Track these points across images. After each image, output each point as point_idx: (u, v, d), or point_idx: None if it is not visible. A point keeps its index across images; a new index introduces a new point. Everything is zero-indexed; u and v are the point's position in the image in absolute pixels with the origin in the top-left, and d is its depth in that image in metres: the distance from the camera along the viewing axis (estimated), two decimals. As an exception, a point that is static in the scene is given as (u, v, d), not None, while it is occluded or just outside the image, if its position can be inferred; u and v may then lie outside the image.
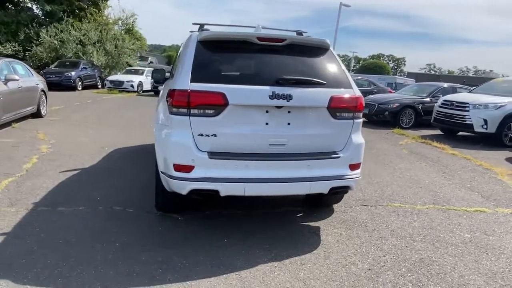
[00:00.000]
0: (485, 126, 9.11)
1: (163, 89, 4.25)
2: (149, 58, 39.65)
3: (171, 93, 3.22)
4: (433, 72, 73.02)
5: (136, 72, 22.51)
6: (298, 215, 4.15)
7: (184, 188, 3.18)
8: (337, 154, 3.44)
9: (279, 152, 3.33)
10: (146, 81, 21.33)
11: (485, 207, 4.66)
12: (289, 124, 3.33)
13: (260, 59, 3.54)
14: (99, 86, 21.62)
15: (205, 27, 4.10)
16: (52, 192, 4.34)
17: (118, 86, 20.23)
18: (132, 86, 20.51)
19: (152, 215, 3.89)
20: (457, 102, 9.83)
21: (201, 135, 3.16)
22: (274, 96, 3.20)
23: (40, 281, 2.63)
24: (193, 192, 3.16)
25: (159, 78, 4.62)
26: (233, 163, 3.18)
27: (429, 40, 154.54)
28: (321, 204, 4.33)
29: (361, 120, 3.60)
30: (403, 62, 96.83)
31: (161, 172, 3.39)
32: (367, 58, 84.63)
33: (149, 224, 3.69)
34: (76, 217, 3.73)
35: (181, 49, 4.06)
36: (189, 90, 3.14)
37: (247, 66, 3.59)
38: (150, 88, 20.93)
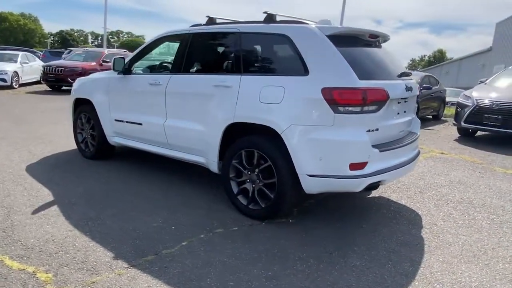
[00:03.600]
0: None
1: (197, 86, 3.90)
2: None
3: (339, 91, 3.06)
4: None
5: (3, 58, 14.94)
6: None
7: (359, 185, 3.14)
8: (417, 134, 4.00)
9: (403, 137, 3.76)
10: (25, 70, 15.02)
11: None
12: (404, 112, 3.71)
13: (374, 54, 3.66)
14: None
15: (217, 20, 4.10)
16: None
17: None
18: (3, 79, 13.69)
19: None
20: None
21: (369, 130, 3.20)
22: (407, 88, 3.59)
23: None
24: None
25: (120, 67, 4.54)
26: (392, 153, 3.38)
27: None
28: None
29: None
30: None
31: (313, 175, 3.13)
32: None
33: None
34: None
35: (294, 44, 3.29)
36: (361, 88, 3.06)
37: (371, 61, 3.52)
38: (36, 80, 15.46)
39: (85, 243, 2.95)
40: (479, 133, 8.99)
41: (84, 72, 12.05)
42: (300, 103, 3.15)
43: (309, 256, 2.92)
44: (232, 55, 3.71)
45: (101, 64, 14.54)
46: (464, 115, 8.23)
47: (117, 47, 57.98)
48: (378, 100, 3.16)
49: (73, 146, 5.84)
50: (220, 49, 4.08)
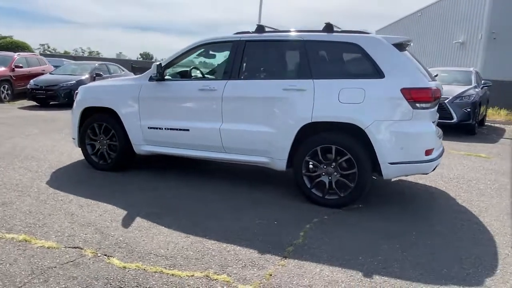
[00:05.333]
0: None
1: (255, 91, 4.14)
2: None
3: (416, 91, 3.65)
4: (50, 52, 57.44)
5: None
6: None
7: (430, 167, 3.85)
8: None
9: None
10: None
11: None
12: None
13: (415, 58, 4.18)
14: None
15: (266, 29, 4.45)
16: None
17: None
18: None
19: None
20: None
21: (433, 122, 3.94)
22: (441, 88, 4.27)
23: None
24: None
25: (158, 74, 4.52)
26: (439, 141, 4.15)
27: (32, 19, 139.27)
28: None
29: None
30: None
31: (396, 162, 3.69)
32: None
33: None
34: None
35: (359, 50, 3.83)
36: (431, 88, 3.77)
37: (419, 64, 4.14)
38: None
39: (218, 245, 3.03)
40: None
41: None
42: (382, 102, 3.69)
43: (400, 232, 3.48)
44: (299, 61, 4.04)
45: (13, 70, 12.86)
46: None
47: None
48: (438, 97, 3.88)
49: (64, 160, 5.44)
50: (285, 56, 4.34)
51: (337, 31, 4.08)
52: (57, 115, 10.20)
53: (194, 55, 4.71)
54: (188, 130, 4.41)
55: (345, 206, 3.90)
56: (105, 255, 2.81)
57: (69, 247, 2.91)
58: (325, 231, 3.36)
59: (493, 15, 18.70)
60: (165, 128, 4.53)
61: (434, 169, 3.96)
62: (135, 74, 14.44)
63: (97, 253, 2.83)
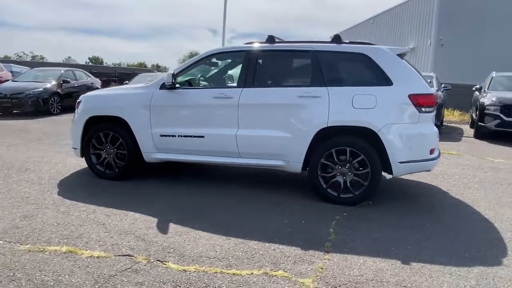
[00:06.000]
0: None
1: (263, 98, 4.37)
2: None
3: (421, 97, 4.03)
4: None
5: None
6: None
7: (433, 165, 4.31)
8: None
9: None
10: None
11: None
12: None
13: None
14: None
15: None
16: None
17: None
18: None
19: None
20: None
21: (434, 124, 4.40)
22: None
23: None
24: None
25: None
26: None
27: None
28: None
29: None
30: None
31: (405, 161, 4.07)
32: None
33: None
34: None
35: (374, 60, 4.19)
36: (433, 93, 4.14)
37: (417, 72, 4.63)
38: None
39: (261, 245, 3.20)
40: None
41: None
42: (391, 107, 4.05)
43: (414, 224, 3.85)
44: (312, 70, 4.31)
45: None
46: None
47: None
48: (437, 102, 4.31)
49: (62, 170, 5.34)
50: (297, 65, 4.59)
51: (345, 42, 4.41)
52: (27, 124, 9.73)
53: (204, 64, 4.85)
54: (203, 136, 4.52)
55: (358, 203, 4.22)
56: (159, 260, 2.89)
57: (119, 255, 2.95)
58: (351, 227, 3.64)
59: (440, 23, 20.32)
60: (178, 136, 4.60)
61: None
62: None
63: (149, 259, 2.90)
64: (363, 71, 4.27)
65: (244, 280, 2.65)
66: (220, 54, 4.77)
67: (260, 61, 4.48)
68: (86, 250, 3.02)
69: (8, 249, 2.99)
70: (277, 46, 4.54)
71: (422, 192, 4.94)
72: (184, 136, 4.59)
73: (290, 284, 2.62)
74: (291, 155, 4.31)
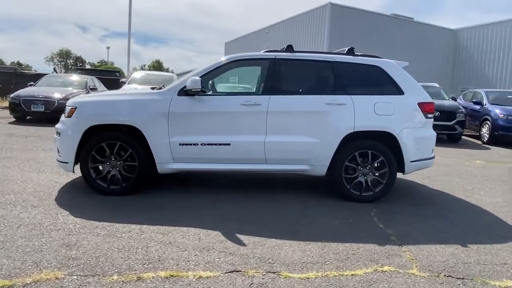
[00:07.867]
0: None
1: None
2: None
3: (427, 105, 4.66)
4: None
5: None
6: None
7: (433, 163, 5.01)
8: None
9: None
10: None
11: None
12: None
13: None
14: None
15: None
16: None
17: None
18: None
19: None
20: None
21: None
22: None
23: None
24: None
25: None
26: None
27: None
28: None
29: None
30: None
31: (414, 160, 4.66)
32: None
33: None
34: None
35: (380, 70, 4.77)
36: (433, 102, 4.87)
37: None
38: None
39: (341, 245, 3.37)
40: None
41: None
42: (405, 113, 4.63)
43: (433, 214, 4.49)
44: (334, 78, 4.62)
45: None
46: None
47: None
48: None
49: (51, 191, 4.66)
50: (320, 74, 4.76)
51: (357, 55, 4.86)
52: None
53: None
54: (229, 144, 4.42)
55: (376, 200, 4.69)
56: (270, 272, 2.83)
57: (227, 273, 2.79)
58: (391, 220, 4.08)
59: (332, 35, 22.79)
60: (201, 144, 4.40)
61: None
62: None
63: (261, 272, 2.81)
64: (379, 81, 4.75)
65: (363, 279, 2.80)
66: (242, 61, 4.71)
67: (285, 69, 4.61)
68: (187, 271, 2.77)
69: (95, 283, 2.56)
70: (299, 55, 4.73)
71: (418, 184, 5.71)
72: (208, 144, 4.42)
73: (406, 276, 2.88)
74: (317, 159, 4.54)
